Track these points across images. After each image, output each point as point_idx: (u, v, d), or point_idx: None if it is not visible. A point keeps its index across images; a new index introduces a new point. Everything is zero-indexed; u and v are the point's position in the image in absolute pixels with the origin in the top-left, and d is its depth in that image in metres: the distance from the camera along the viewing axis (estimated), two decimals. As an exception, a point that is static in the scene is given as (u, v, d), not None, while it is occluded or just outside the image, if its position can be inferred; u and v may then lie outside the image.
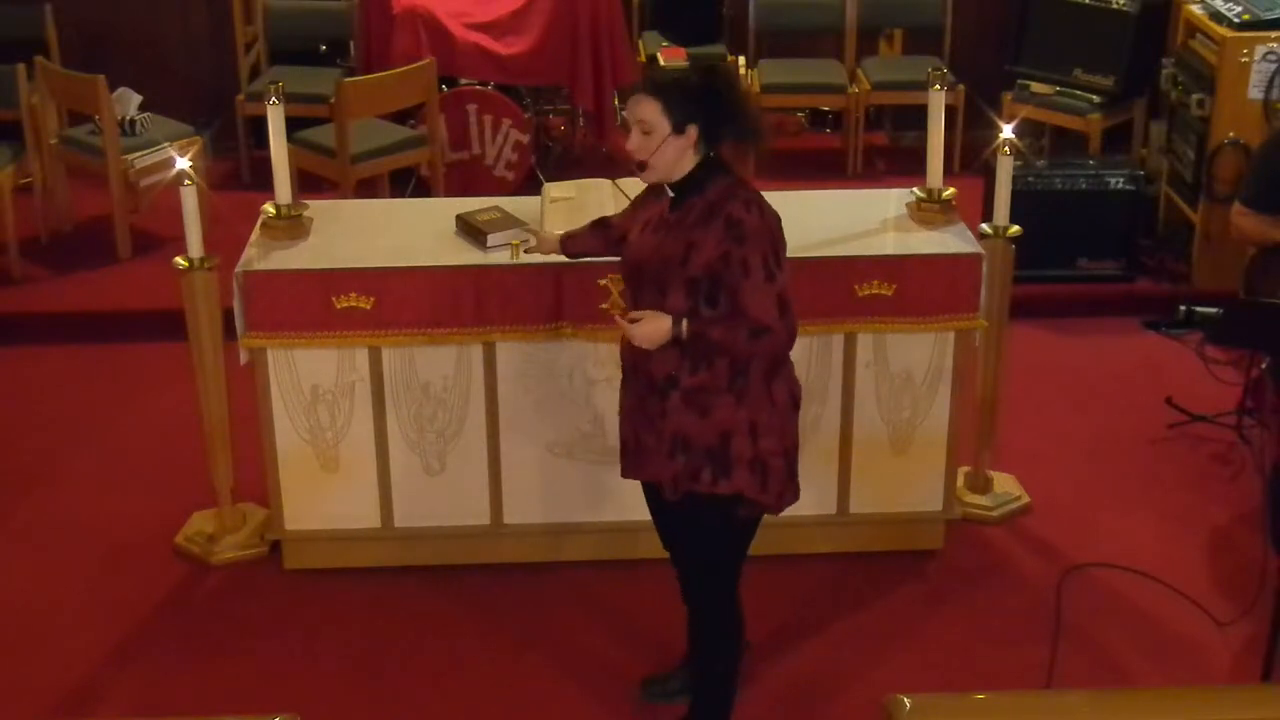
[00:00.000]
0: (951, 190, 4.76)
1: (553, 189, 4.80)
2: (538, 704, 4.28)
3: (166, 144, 6.58)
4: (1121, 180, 6.42)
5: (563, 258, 4.23)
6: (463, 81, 7.04)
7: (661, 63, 7.31)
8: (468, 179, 6.97)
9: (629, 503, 4.28)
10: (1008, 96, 7.28)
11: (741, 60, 7.68)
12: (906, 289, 4.54)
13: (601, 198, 4.59)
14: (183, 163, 4.54)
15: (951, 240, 4.65)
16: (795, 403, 3.76)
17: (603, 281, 4.45)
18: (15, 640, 4.54)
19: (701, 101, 3.56)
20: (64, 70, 6.87)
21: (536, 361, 4.60)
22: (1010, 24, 7.39)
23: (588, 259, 4.24)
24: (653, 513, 3.98)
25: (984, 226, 4.83)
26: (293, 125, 5.36)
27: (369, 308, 4.48)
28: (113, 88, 6.65)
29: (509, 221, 4.61)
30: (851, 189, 5.51)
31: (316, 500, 4.71)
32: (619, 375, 3.90)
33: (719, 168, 3.62)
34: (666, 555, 3.98)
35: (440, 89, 6.82)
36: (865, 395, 4.67)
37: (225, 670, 4.42)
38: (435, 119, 6.80)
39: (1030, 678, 4.31)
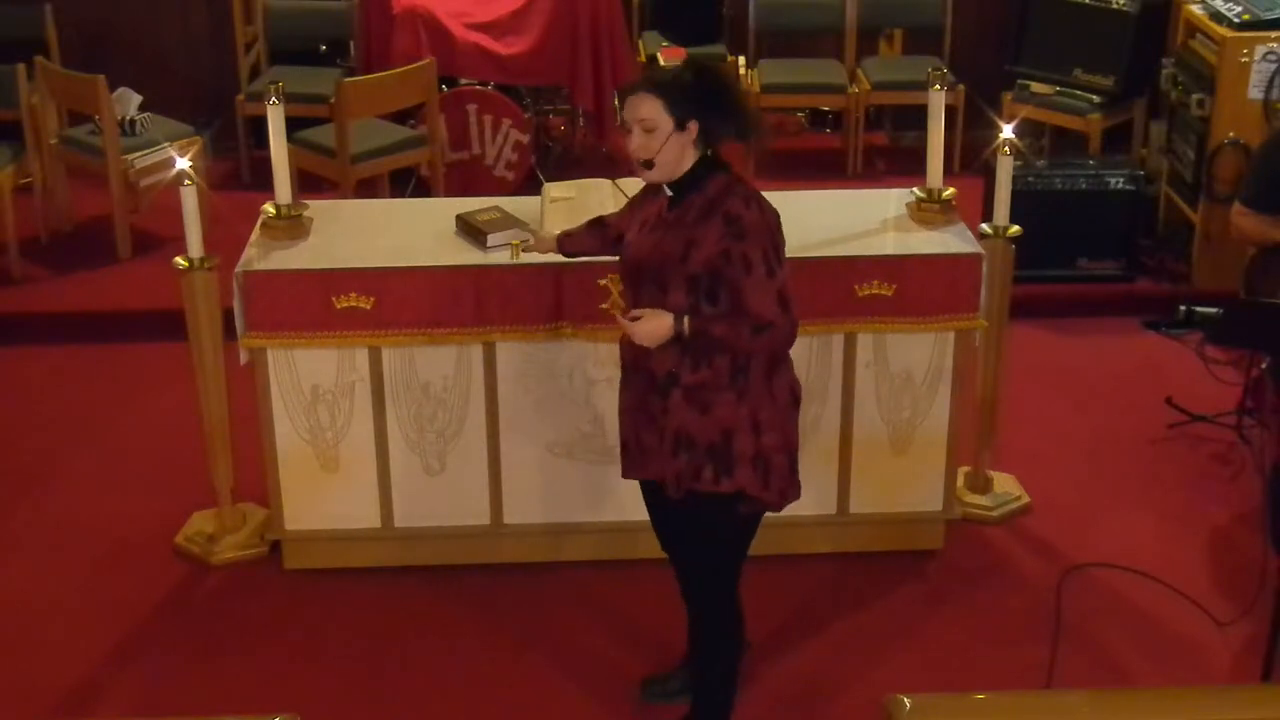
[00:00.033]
0: (951, 190, 4.76)
1: (553, 189, 4.80)
2: (538, 704, 4.28)
3: (166, 144, 6.57)
4: (1121, 180, 6.42)
5: (561, 257, 4.23)
6: (463, 81, 7.04)
7: (661, 63, 7.28)
8: (468, 179, 6.97)
9: (629, 503, 4.28)
10: (1008, 96, 7.28)
11: (741, 60, 7.68)
12: (906, 289, 4.54)
13: (601, 198, 4.59)
14: (183, 163, 4.54)
15: (951, 240, 4.65)
16: (796, 399, 3.76)
17: (603, 281, 4.45)
18: (15, 640, 4.54)
19: (699, 98, 3.56)
20: (64, 70, 6.87)
21: (536, 361, 4.60)
22: (1010, 24, 7.38)
23: (586, 258, 4.24)
24: (651, 513, 3.98)
25: (984, 226, 4.83)
26: (293, 125, 5.36)
27: (369, 308, 4.48)
28: (113, 88, 6.65)
29: (509, 221, 4.61)
30: (851, 189, 5.51)
31: (316, 500, 4.71)
32: (619, 375, 3.90)
33: (717, 165, 3.63)
34: (666, 555, 3.98)
35: (440, 89, 6.82)
36: (865, 395, 4.67)
37: (225, 670, 4.41)
38: (435, 119, 6.79)
39: (1030, 678, 4.31)
